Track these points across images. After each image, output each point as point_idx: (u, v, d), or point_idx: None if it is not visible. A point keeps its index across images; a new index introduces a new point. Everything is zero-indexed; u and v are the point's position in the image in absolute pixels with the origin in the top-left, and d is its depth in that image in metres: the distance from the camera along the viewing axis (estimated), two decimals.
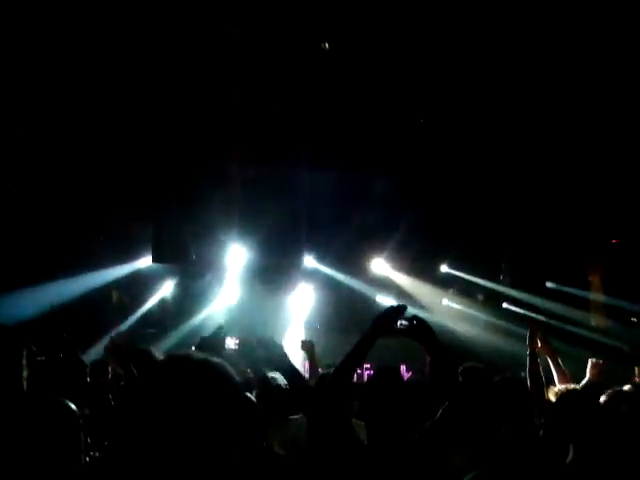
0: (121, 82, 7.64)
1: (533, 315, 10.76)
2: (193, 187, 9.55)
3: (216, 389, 1.50)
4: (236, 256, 10.60)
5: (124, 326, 9.99)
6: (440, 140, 8.77)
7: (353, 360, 3.11)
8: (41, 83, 7.42)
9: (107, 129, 8.39)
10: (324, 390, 3.12)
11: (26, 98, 7.59)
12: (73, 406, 2.59)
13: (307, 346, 5.72)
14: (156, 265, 10.10)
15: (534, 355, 5.25)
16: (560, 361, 5.17)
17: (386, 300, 11.41)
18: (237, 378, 1.58)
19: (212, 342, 4.05)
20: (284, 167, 9.48)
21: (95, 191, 9.22)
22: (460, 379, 4.74)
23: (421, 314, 3.34)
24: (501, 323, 11.34)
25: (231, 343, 4.07)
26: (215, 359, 1.61)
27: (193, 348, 3.98)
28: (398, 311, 3.16)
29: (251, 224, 10.12)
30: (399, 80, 7.59)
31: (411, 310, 3.32)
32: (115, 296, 10.34)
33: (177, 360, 1.57)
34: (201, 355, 1.60)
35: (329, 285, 11.45)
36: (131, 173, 9.17)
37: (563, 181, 9.14)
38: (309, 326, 11.32)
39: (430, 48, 7.11)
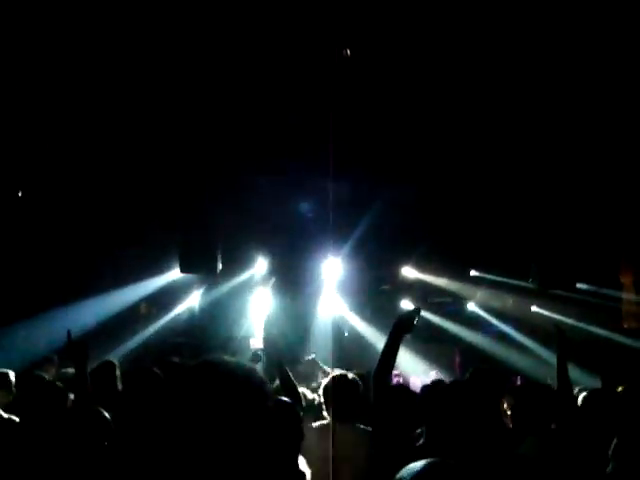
0: (144, 94, 7.70)
1: (562, 318, 10.65)
2: (219, 197, 9.61)
3: (248, 395, 1.47)
4: (262, 265, 10.67)
5: (151, 334, 10.13)
6: (465, 143, 8.70)
7: (386, 364, 3.41)
8: (63, 92, 7.49)
9: (133, 141, 8.47)
10: (374, 398, 3.36)
11: (50, 109, 7.67)
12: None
13: None
14: (184, 276, 10.18)
15: (563, 359, 5.14)
16: None
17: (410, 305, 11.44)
18: (269, 384, 1.55)
19: (237, 344, 4.10)
20: (309, 176, 9.48)
21: (122, 202, 9.33)
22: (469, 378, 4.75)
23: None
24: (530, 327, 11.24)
25: (256, 344, 4.02)
26: (247, 365, 1.59)
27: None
28: (415, 313, 3.51)
29: (276, 233, 10.17)
30: (423, 85, 7.53)
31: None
32: (143, 308, 10.45)
33: (210, 365, 1.53)
34: (234, 360, 1.57)
35: (357, 291, 11.47)
36: (157, 184, 9.25)
37: (592, 181, 9.00)
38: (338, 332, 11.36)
39: (450, 57, 7.04)
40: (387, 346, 3.44)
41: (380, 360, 3.43)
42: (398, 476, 1.57)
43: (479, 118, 8.21)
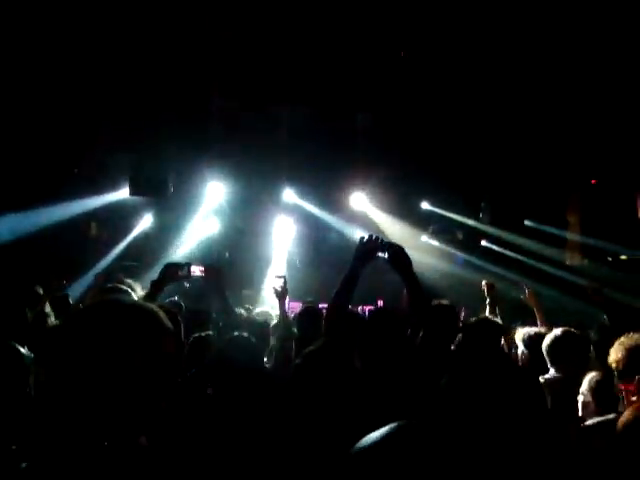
0: (102, 10, 7.37)
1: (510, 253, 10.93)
2: (173, 120, 9.37)
3: (145, 335, 1.49)
4: (215, 190, 10.53)
5: (105, 260, 9.98)
6: (422, 76, 8.62)
7: (345, 291, 3.26)
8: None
9: (88, 57, 8.11)
10: (328, 322, 3.25)
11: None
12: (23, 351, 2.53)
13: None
14: (133, 198, 9.97)
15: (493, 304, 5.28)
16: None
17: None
18: (169, 325, 1.55)
19: (176, 267, 4.04)
20: (266, 101, 9.31)
21: (74, 121, 9.01)
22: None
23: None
24: (479, 261, 11.45)
25: (197, 270, 3.97)
26: (147, 304, 1.60)
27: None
28: (375, 239, 3.34)
29: (231, 158, 10.01)
30: (380, 11, 7.38)
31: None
32: (94, 229, 10.25)
33: (105, 305, 1.55)
34: (131, 300, 1.57)
35: (308, 220, 11.46)
36: (111, 104, 8.94)
37: (544, 120, 9.07)
38: (288, 262, 11.41)
39: None
40: (347, 276, 3.27)
41: (339, 289, 3.25)
42: (359, 445, 1.24)
43: (436, 51, 8.13)
